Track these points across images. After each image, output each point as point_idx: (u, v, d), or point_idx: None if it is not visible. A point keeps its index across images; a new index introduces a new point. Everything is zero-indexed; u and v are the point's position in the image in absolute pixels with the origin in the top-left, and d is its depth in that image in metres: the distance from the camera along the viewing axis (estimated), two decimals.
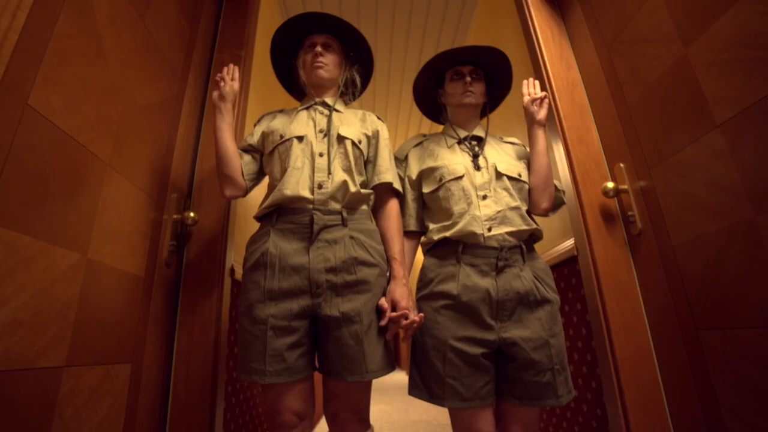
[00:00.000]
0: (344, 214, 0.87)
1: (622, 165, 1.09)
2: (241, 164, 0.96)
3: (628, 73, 1.05)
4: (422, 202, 1.03)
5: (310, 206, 0.87)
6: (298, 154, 0.91)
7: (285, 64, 1.12)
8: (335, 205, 0.88)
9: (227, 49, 1.40)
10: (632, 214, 1.04)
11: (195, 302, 1.09)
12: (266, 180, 1.02)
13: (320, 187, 0.88)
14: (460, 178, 0.95)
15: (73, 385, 0.70)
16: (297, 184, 0.87)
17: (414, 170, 1.03)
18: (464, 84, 1.04)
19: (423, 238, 1.00)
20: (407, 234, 0.99)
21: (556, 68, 1.26)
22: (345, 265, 0.83)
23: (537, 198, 0.98)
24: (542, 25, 1.32)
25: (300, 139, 0.93)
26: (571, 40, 1.32)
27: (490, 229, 0.90)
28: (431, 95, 1.15)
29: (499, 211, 0.91)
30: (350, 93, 1.12)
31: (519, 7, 1.41)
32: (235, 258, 1.22)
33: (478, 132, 1.08)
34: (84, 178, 0.75)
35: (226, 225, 1.16)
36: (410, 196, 1.03)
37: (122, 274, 0.87)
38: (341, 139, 0.94)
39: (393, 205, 0.96)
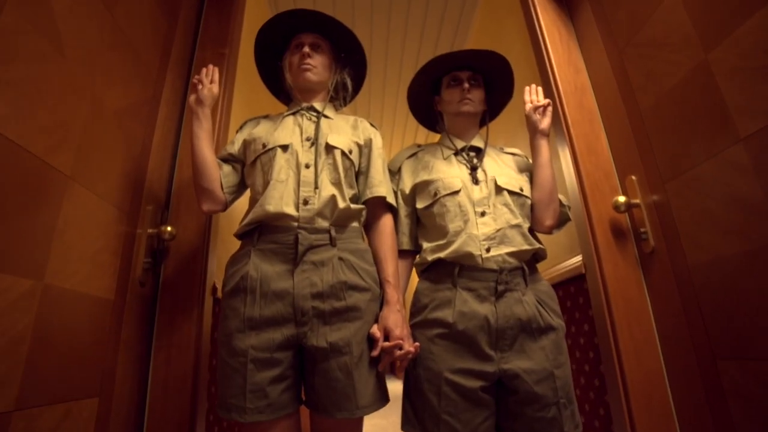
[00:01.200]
0: (332, 232, 0.81)
1: (633, 177, 1.03)
2: (220, 175, 0.89)
3: (642, 78, 1.00)
4: (416, 218, 0.98)
5: (295, 224, 0.80)
6: (282, 165, 0.84)
7: (271, 65, 1.06)
8: (322, 223, 0.82)
9: (210, 47, 1.33)
10: (645, 230, 0.99)
11: (173, 324, 1.02)
12: (248, 193, 0.95)
13: (306, 202, 0.81)
14: (457, 192, 0.89)
15: (25, 430, 0.63)
16: (280, 199, 0.81)
17: (407, 184, 0.97)
18: (462, 91, 0.98)
19: (417, 258, 0.94)
20: (400, 253, 0.93)
21: (564, 72, 1.21)
22: (333, 290, 0.77)
23: (540, 214, 0.93)
24: (549, 25, 1.27)
25: (284, 148, 0.86)
26: (580, 43, 1.26)
27: (488, 250, 0.84)
28: (427, 102, 1.09)
29: (498, 230, 0.86)
30: (341, 98, 1.05)
31: (524, 6, 1.35)
32: (217, 275, 1.15)
33: (477, 142, 1.02)
34: (39, 194, 0.68)
35: (207, 239, 1.10)
36: (403, 211, 0.97)
37: (87, 298, 0.80)
38: (330, 148, 0.87)
39: (387, 221, 0.90)
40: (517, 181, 0.93)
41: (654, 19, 0.95)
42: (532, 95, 0.99)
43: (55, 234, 0.72)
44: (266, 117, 1.01)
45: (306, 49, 0.96)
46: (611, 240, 1.04)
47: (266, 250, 0.80)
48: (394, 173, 1.01)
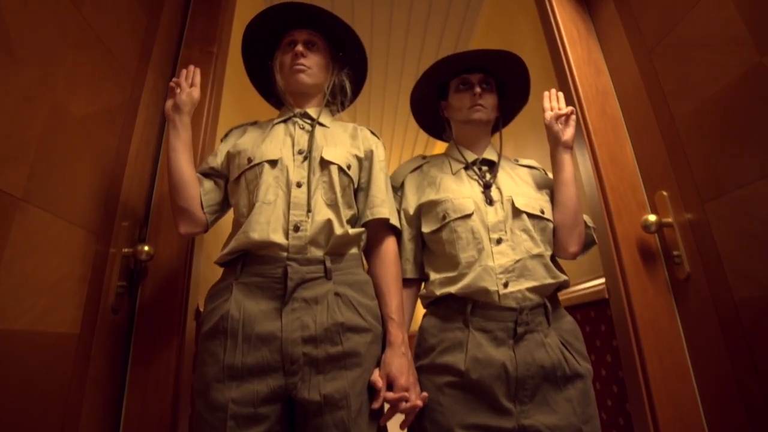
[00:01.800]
0: (327, 263, 0.70)
1: (665, 193, 0.92)
2: (200, 193, 0.78)
3: (676, 83, 0.88)
4: (421, 241, 0.86)
5: (284, 254, 0.69)
6: (270, 183, 0.73)
7: (261, 65, 0.94)
8: (316, 252, 0.70)
9: (197, 44, 1.20)
10: (678, 254, 0.88)
11: (151, 354, 0.91)
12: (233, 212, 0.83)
13: (297, 229, 0.70)
14: (469, 216, 0.77)
15: None
16: (267, 224, 0.69)
17: (411, 203, 0.85)
18: (472, 96, 0.86)
19: (423, 289, 0.82)
20: (404, 282, 0.81)
21: (584, 73, 1.09)
22: (328, 333, 0.66)
23: (564, 239, 0.81)
24: (566, 22, 1.14)
25: (273, 163, 0.74)
26: (601, 41, 1.14)
27: (506, 285, 0.72)
28: (432, 107, 0.97)
29: (517, 261, 0.74)
30: (338, 102, 0.93)
31: (538, 0, 1.23)
32: (201, 298, 1.04)
33: (489, 154, 0.90)
34: None
35: (190, 257, 0.98)
36: (407, 234, 0.85)
37: (44, 337, 0.68)
38: (325, 163, 0.76)
39: (390, 246, 0.79)
40: (537, 202, 0.81)
41: (693, 16, 0.82)
42: (552, 102, 0.87)
43: (0, 268, 0.60)
44: (254, 124, 0.90)
45: (299, 47, 0.84)
46: (639, 262, 0.93)
47: (250, 285, 0.69)
48: (397, 189, 0.89)
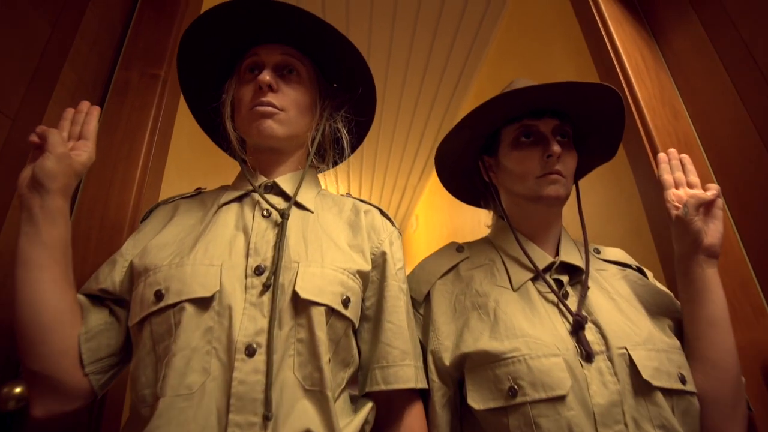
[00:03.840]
0: None
1: None
2: (78, 339, 0.39)
3: None
4: (460, 401, 0.48)
5: None
6: (195, 346, 0.35)
7: (212, 99, 0.56)
8: None
9: (137, 65, 0.82)
10: None
11: None
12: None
13: None
14: (562, 398, 0.39)
15: None
16: None
17: (446, 342, 0.47)
18: (546, 158, 0.50)
19: None
20: None
21: (659, 116, 0.75)
22: None
23: (719, 425, 0.44)
24: (629, 47, 0.81)
25: (203, 303, 0.37)
26: (674, 76, 0.81)
27: None
28: (467, 162, 0.61)
29: None
30: (329, 159, 0.57)
31: (584, 17, 0.89)
32: None
33: (569, 254, 0.52)
34: None
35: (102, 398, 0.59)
36: (439, 398, 0.46)
37: None
38: (303, 305, 0.38)
39: (415, 427, 0.42)
40: (669, 358, 0.43)
41: None
42: (675, 171, 0.51)
43: None
44: (196, 195, 0.52)
45: (266, 75, 0.47)
46: None
47: None
48: (418, 304, 0.52)
